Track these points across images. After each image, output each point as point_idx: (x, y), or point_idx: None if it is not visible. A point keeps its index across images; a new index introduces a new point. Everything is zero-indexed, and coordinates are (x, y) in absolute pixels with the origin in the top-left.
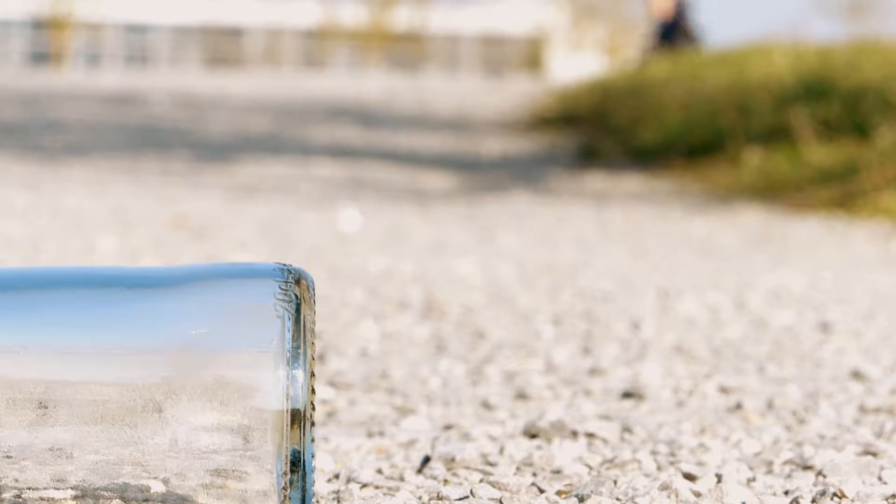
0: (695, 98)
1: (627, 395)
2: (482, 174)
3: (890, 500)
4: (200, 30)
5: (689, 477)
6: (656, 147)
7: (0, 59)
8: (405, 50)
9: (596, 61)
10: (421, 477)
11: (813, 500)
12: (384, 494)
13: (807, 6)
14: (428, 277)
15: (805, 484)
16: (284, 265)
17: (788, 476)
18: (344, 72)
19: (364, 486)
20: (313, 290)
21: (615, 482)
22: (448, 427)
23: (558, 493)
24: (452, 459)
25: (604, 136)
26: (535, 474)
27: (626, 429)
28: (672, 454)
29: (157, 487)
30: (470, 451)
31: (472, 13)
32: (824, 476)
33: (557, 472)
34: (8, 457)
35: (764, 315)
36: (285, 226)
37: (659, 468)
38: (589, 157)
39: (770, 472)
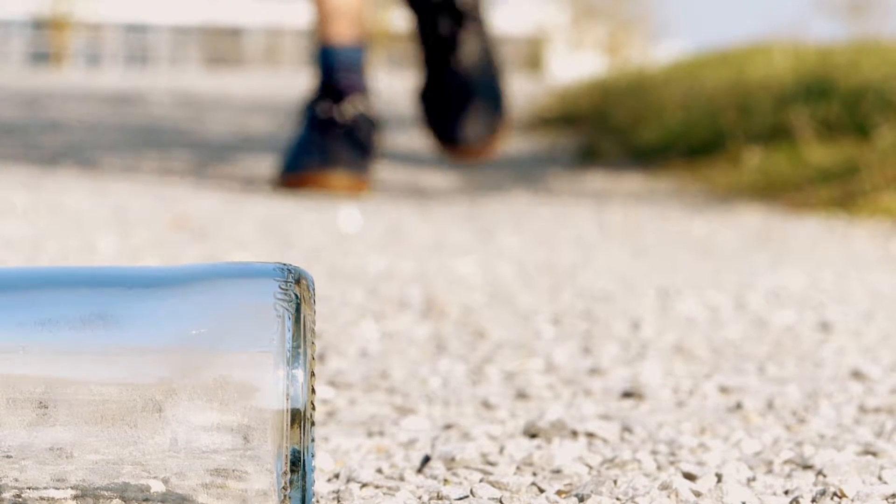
0: (695, 98)
1: (627, 394)
2: (482, 174)
3: (890, 500)
4: (200, 30)
5: (689, 476)
6: (656, 147)
7: (0, 59)
8: (405, 49)
9: (596, 61)
10: (421, 476)
11: (813, 500)
12: (384, 494)
13: (807, 6)
14: (428, 277)
15: (805, 483)
16: (284, 265)
17: (788, 476)
18: None
19: (364, 485)
20: (313, 289)
21: (615, 482)
22: (448, 427)
23: (558, 492)
24: (452, 459)
25: (604, 136)
26: (535, 474)
27: (626, 429)
28: (672, 454)
29: (157, 487)
30: (470, 451)
31: None
32: (824, 476)
33: (557, 471)
34: (8, 456)
35: (764, 315)
36: (285, 226)
37: (659, 468)
38: (589, 156)
39: (770, 471)
